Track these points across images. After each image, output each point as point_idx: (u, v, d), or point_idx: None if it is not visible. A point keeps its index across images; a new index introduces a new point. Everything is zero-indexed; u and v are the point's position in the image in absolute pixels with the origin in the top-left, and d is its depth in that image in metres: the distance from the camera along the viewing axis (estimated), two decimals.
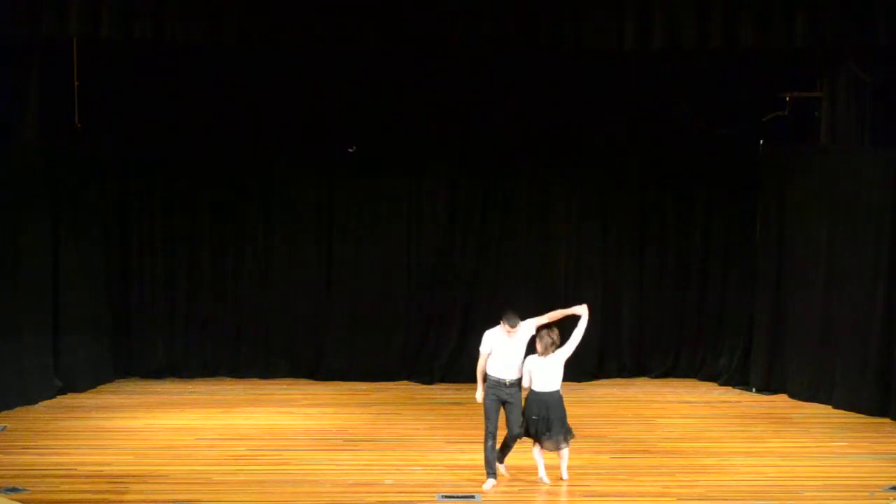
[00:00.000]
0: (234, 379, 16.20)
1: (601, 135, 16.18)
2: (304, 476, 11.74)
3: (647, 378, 16.61)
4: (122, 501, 10.93)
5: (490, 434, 11.36)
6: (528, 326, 11.42)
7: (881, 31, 13.79)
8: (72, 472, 11.75)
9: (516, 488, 11.46)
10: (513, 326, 11.25)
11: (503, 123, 16.04)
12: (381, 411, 14.64)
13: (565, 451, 11.53)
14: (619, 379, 16.50)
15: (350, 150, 16.09)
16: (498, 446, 11.51)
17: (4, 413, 13.96)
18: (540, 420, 11.30)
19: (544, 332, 11.39)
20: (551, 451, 11.47)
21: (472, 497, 11.14)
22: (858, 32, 13.90)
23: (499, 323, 11.37)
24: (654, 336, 16.71)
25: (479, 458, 11.68)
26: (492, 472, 11.44)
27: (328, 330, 16.32)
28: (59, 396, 14.89)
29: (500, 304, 15.95)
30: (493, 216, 16.39)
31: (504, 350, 11.33)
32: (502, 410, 11.41)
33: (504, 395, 11.33)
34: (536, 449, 11.51)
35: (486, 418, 11.37)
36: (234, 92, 15.72)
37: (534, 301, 16.31)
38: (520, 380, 11.36)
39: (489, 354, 11.38)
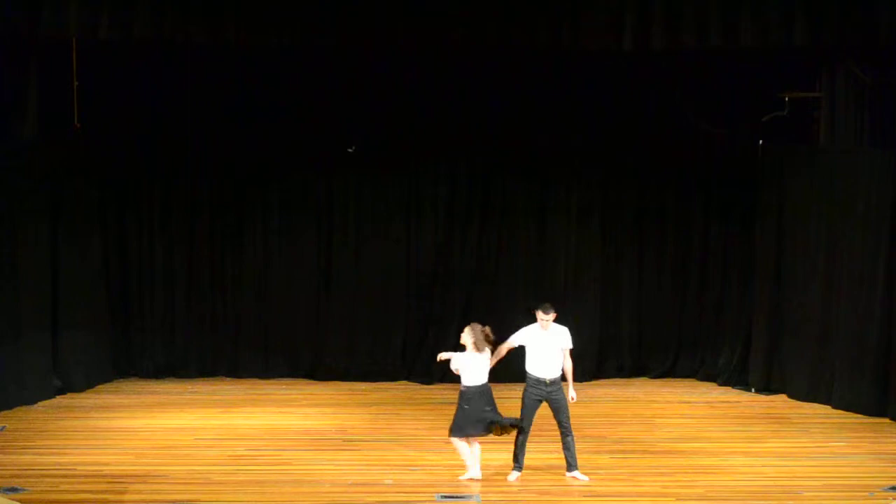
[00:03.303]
0: (233, 379, 16.21)
1: (600, 135, 16.19)
2: (303, 476, 11.74)
3: (646, 378, 16.62)
4: (122, 501, 10.92)
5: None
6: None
7: (881, 30, 13.79)
8: (71, 472, 11.74)
9: (516, 488, 11.46)
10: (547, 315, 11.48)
11: (502, 123, 16.05)
12: (380, 411, 14.64)
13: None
14: (618, 379, 16.51)
15: (349, 150, 16.09)
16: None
17: (4, 413, 13.95)
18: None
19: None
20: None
21: (472, 497, 11.14)
22: (858, 32, 13.91)
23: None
24: (653, 336, 16.72)
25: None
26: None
27: (327, 330, 16.32)
28: (58, 396, 14.89)
29: (500, 304, 16.18)
30: (493, 216, 16.39)
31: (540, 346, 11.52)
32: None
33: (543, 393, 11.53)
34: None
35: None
36: (233, 92, 15.73)
37: (533, 300, 16.30)
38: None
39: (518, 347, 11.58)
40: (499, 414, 11.44)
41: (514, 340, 11.61)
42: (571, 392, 11.60)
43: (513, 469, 11.63)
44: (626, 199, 16.54)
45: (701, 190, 16.44)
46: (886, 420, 14.16)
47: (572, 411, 11.62)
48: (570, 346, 11.61)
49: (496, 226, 16.43)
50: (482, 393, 11.38)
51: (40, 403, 14.55)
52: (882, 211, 14.33)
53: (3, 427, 13.37)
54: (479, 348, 11.37)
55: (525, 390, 11.56)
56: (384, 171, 16.23)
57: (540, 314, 11.53)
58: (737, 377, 16.12)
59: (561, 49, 14.32)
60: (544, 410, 11.63)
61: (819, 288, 15.02)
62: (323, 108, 15.87)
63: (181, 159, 15.95)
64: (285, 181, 16.19)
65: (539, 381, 11.47)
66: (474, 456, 11.54)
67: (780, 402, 15.35)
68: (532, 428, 11.59)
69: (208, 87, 15.67)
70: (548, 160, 16.26)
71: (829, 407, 14.85)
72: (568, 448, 11.63)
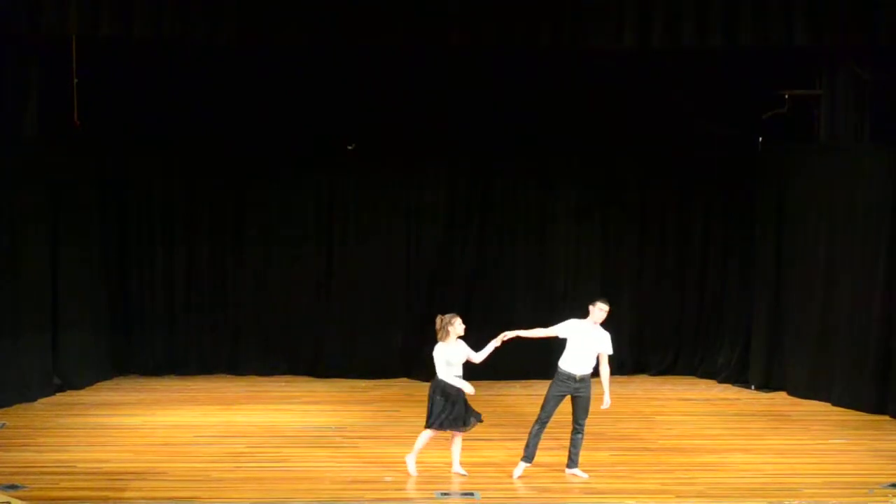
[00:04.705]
0: (233, 376, 16.23)
1: (601, 134, 16.19)
2: (303, 473, 11.75)
3: (646, 375, 16.65)
4: (121, 499, 10.92)
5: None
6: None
7: (881, 30, 13.81)
8: (71, 470, 11.74)
9: (516, 486, 11.46)
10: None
11: (503, 122, 16.05)
12: (380, 408, 14.66)
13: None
14: (618, 376, 16.33)
15: (349, 148, 16.12)
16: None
17: (3, 410, 13.96)
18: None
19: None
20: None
21: (472, 494, 11.13)
22: (858, 31, 13.92)
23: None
24: (653, 334, 16.75)
25: (478, 455, 11.72)
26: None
27: (327, 327, 16.34)
28: (58, 394, 14.91)
29: (500, 304, 16.18)
30: (493, 214, 16.42)
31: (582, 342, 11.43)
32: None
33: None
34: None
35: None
36: (233, 91, 15.74)
37: (533, 300, 16.37)
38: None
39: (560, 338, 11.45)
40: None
41: (558, 330, 11.48)
42: (607, 399, 11.52)
43: (521, 460, 11.57)
44: (626, 199, 16.55)
45: (701, 187, 16.45)
46: (886, 417, 14.18)
47: (567, 408, 11.57)
48: (611, 351, 11.57)
49: (496, 225, 16.45)
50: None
51: (40, 401, 14.56)
52: (882, 209, 14.34)
53: (4, 424, 13.38)
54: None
55: (552, 385, 11.47)
56: (384, 170, 16.25)
57: (603, 307, 11.42)
58: (737, 374, 16.14)
59: (561, 48, 14.33)
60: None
61: (819, 285, 15.03)
62: (323, 107, 15.88)
63: (181, 158, 15.97)
64: (285, 180, 16.22)
65: (569, 377, 11.38)
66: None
67: (780, 399, 15.37)
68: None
69: (208, 87, 15.68)
70: (548, 160, 16.28)
71: (828, 404, 14.86)
72: (575, 445, 11.61)
